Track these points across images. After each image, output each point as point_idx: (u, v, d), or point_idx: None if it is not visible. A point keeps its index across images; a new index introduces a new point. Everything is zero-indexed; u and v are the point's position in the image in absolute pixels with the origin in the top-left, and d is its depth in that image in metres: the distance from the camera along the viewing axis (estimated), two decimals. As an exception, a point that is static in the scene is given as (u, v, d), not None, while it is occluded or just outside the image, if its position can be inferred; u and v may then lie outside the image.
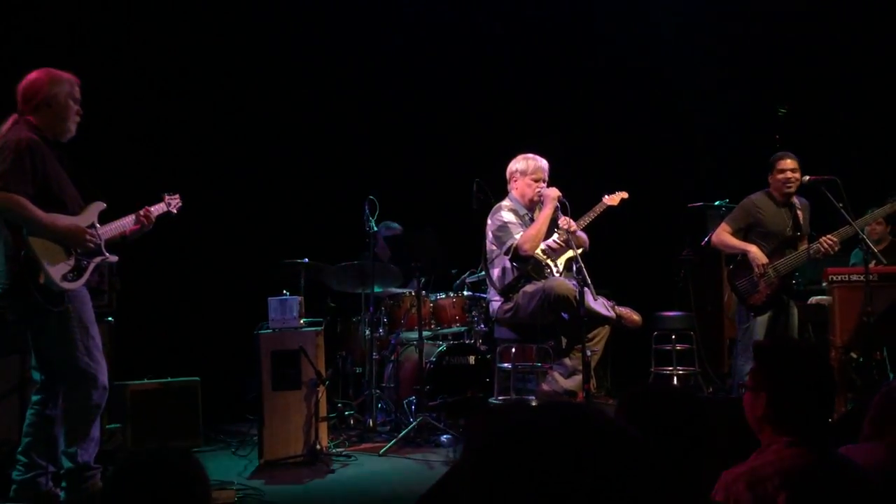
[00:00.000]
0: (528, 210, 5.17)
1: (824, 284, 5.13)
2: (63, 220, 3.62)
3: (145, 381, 4.86)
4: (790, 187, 5.16)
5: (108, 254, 3.81)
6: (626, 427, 0.96)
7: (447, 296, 5.86)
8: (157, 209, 4.07)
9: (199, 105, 6.27)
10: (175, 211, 4.21)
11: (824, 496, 1.75)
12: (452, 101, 7.31)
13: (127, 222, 3.92)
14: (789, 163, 5.18)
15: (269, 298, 4.89)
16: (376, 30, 7.15)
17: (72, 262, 3.61)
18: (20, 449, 3.63)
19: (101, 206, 3.83)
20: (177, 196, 4.25)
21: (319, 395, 4.74)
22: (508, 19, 7.37)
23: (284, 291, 5.03)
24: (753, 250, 5.13)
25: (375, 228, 5.55)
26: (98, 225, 3.77)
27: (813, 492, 1.75)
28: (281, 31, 6.79)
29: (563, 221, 4.92)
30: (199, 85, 6.30)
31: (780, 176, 5.18)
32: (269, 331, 4.82)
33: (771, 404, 1.89)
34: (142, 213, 3.95)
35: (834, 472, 1.81)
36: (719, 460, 1.81)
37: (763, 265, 5.08)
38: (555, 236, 5.14)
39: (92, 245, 3.67)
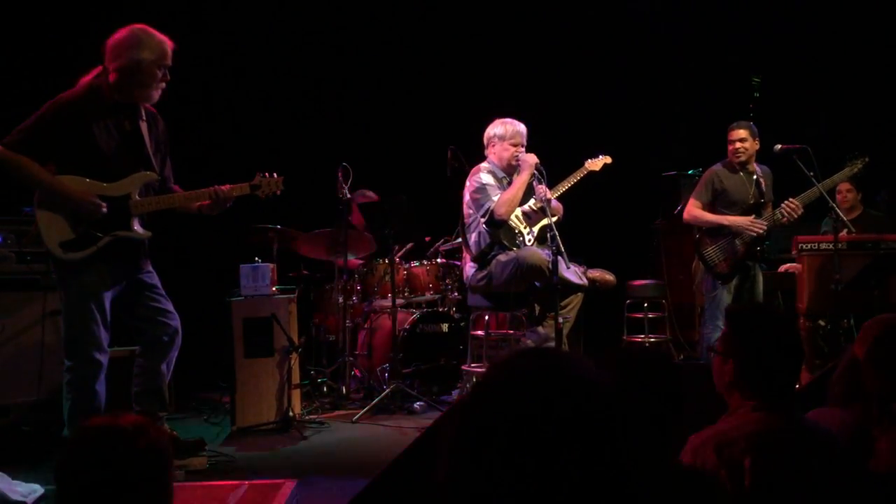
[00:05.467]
0: (505, 174, 5.12)
1: (794, 252, 5.19)
2: (69, 185, 3.50)
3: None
4: (739, 157, 5.22)
5: (139, 228, 3.68)
6: (601, 375, 0.99)
7: (421, 263, 5.85)
8: (235, 189, 3.85)
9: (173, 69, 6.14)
10: (268, 195, 3.93)
11: (790, 460, 1.77)
12: (427, 68, 7.24)
13: (180, 198, 3.78)
14: (739, 133, 5.23)
15: (241, 265, 4.85)
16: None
17: (77, 231, 3.53)
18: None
19: (146, 176, 3.69)
20: (275, 178, 3.94)
21: (292, 362, 4.73)
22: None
23: (256, 258, 4.98)
24: (731, 219, 5.16)
25: (349, 196, 5.51)
26: (137, 196, 3.65)
27: (778, 455, 1.76)
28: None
29: (540, 189, 4.89)
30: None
31: (731, 146, 5.26)
32: (240, 298, 4.79)
33: (739, 369, 1.91)
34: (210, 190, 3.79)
35: (800, 436, 1.83)
36: (688, 424, 1.83)
37: (750, 224, 5.10)
38: (531, 202, 5.11)
39: (97, 215, 3.53)
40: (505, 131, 5.09)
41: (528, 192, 5.04)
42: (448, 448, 0.98)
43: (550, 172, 4.99)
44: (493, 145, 5.13)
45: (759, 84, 7.21)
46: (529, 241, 5.03)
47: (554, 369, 0.97)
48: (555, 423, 0.92)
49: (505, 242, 4.96)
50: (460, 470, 0.95)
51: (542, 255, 4.72)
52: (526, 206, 5.10)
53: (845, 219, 5.00)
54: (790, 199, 5.03)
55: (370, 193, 6.24)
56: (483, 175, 5.04)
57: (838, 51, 6.99)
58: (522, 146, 5.08)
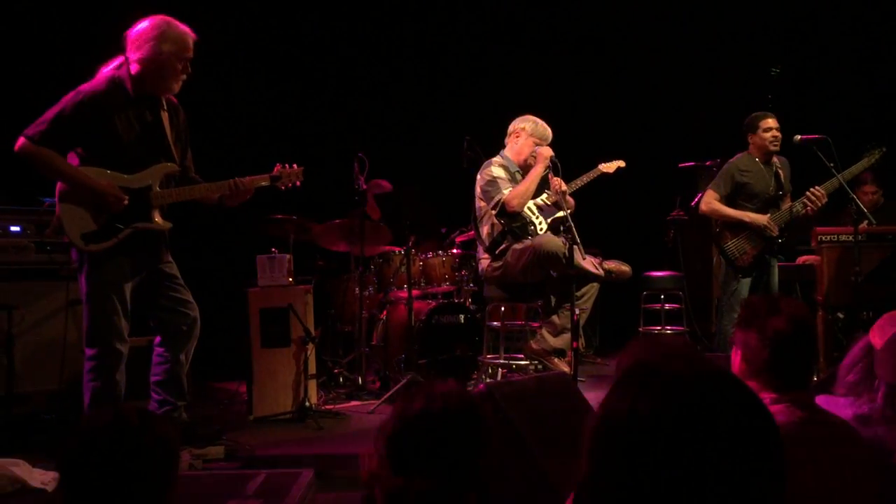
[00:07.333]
0: (518, 168, 5.14)
1: (813, 244, 5.15)
2: (92, 177, 3.52)
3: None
4: (776, 145, 5.17)
5: (159, 220, 3.70)
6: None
7: (437, 254, 5.85)
8: (256, 181, 3.86)
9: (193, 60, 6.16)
10: (288, 187, 3.96)
11: (808, 452, 1.76)
12: (444, 59, 7.23)
13: (201, 189, 3.80)
14: (770, 122, 5.19)
15: (258, 256, 4.87)
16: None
17: (99, 222, 3.56)
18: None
19: (167, 167, 3.72)
20: (295, 168, 3.98)
21: (308, 352, 4.75)
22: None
23: (273, 249, 5.00)
24: (750, 216, 5.12)
25: (365, 186, 5.51)
26: (158, 188, 3.67)
27: (797, 448, 1.75)
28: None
29: (556, 182, 4.89)
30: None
31: (767, 134, 5.17)
32: (257, 288, 4.81)
33: (755, 360, 1.89)
34: (231, 183, 3.81)
35: (820, 428, 1.82)
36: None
37: (767, 225, 5.07)
38: (544, 195, 5.12)
39: (119, 207, 3.56)
40: (535, 129, 5.11)
41: (541, 187, 5.04)
42: (591, 447, 1.00)
43: (565, 168, 4.98)
44: (518, 136, 5.13)
45: (778, 75, 7.13)
46: (542, 231, 5.03)
47: (710, 374, 1.00)
48: (712, 426, 0.95)
49: (518, 232, 4.96)
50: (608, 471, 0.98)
51: (559, 240, 4.71)
52: (539, 200, 5.10)
53: (866, 210, 4.95)
54: (815, 187, 4.98)
55: (386, 184, 6.24)
56: (494, 168, 5.06)
57: (858, 41, 6.91)
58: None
